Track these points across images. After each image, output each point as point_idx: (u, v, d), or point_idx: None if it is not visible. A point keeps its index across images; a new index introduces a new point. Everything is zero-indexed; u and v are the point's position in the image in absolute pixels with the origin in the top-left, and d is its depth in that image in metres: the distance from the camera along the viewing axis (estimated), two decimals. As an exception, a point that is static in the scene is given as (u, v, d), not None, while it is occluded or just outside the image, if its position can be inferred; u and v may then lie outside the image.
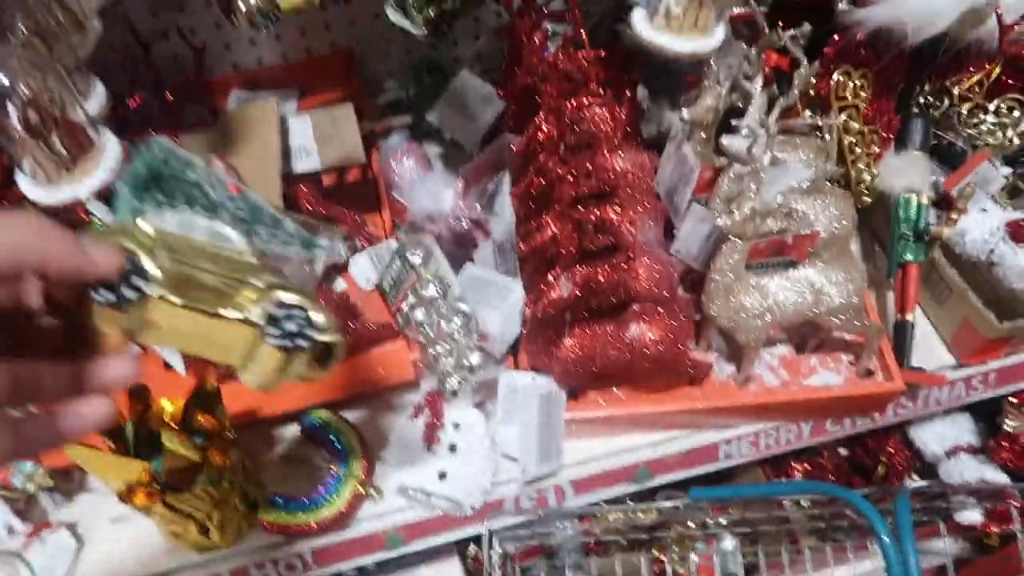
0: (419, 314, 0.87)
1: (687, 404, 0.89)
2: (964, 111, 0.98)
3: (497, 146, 0.96)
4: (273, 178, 0.85)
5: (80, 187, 0.67)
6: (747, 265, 0.83)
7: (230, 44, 1.09)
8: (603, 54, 0.81)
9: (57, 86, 0.67)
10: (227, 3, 0.81)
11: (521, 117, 0.92)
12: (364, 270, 0.94)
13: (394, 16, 0.82)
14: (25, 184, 0.68)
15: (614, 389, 0.91)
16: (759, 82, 0.80)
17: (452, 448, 0.88)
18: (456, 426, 0.89)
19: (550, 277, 0.79)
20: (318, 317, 0.50)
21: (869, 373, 0.92)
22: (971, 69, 0.97)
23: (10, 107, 0.66)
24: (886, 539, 0.79)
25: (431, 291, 0.86)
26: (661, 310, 0.82)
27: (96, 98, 0.74)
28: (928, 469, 1.21)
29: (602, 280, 0.77)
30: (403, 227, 0.94)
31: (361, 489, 0.82)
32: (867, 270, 1.01)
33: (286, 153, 0.89)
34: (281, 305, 0.49)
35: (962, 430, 1.16)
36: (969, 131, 0.98)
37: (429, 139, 1.11)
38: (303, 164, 0.91)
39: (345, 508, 0.81)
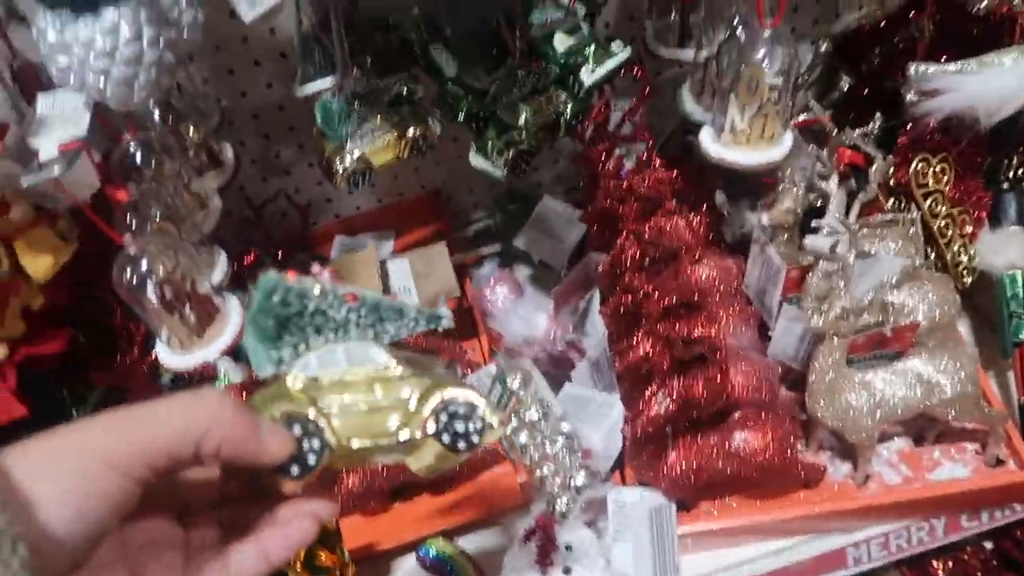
0: (523, 437, 0.89)
1: (805, 509, 0.86)
2: (1058, 179, 0.95)
3: (584, 265, 0.99)
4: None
5: (210, 351, 0.75)
6: (848, 361, 0.82)
7: (331, 197, 1.19)
8: (675, 172, 0.84)
9: (187, 263, 0.75)
10: (328, 167, 0.90)
11: (604, 236, 0.96)
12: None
13: (476, 161, 0.88)
14: (162, 352, 0.76)
15: (726, 498, 0.89)
16: (835, 181, 0.81)
17: (567, 571, 0.87)
18: (568, 547, 0.89)
19: (647, 394, 0.80)
20: (488, 413, 0.51)
21: (999, 462, 0.87)
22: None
23: (149, 287, 0.74)
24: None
25: (533, 414, 0.88)
26: (764, 415, 0.82)
27: (219, 266, 0.83)
28: (1089, 559, 1.10)
29: (698, 392, 0.78)
30: (500, 352, 0.97)
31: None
32: (980, 353, 0.97)
33: (387, 293, 0.96)
34: (447, 407, 0.50)
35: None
36: (1069, 199, 0.95)
37: (518, 262, 1.16)
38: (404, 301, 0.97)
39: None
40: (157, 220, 0.76)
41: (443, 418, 0.50)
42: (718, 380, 0.78)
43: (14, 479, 0.35)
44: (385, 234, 1.20)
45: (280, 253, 1.01)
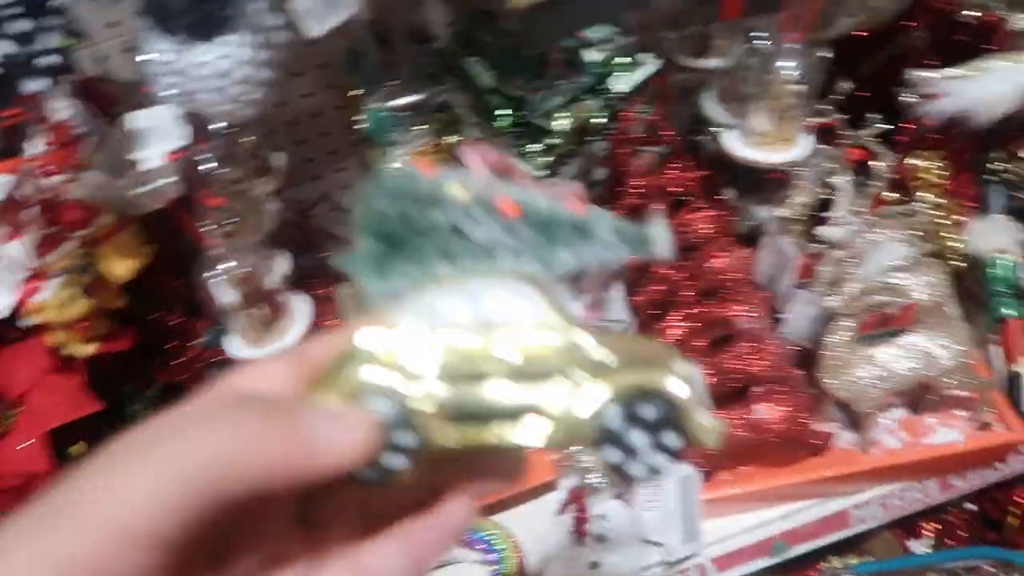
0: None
1: (814, 474, 0.95)
2: (1035, 172, 1.05)
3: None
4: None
5: (282, 344, 0.81)
6: (858, 339, 0.91)
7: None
8: (705, 175, 0.92)
9: (257, 262, 0.81)
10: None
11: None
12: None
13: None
14: (235, 346, 0.82)
15: (742, 468, 0.98)
16: (845, 176, 0.90)
17: (601, 538, 0.95)
18: (602, 517, 0.97)
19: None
20: (693, 416, 0.33)
21: (986, 426, 0.97)
22: (1032, 133, 1.04)
23: (226, 285, 0.80)
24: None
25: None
26: (781, 389, 0.90)
27: (280, 266, 0.88)
28: (1062, 514, 1.21)
29: (730, 368, 0.86)
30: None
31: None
32: (970, 330, 1.07)
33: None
34: (631, 405, 0.33)
35: (1087, 472, 1.17)
36: (1044, 190, 1.05)
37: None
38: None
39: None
40: (230, 223, 0.82)
41: (617, 420, 0.33)
42: (744, 357, 0.86)
43: None
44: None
45: (323, 254, 1.06)
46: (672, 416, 0.33)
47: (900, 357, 0.89)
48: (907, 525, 1.27)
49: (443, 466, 0.34)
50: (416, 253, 0.34)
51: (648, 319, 0.95)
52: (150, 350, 0.97)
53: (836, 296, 0.87)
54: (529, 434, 0.33)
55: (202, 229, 0.76)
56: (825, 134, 0.96)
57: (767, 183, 1.04)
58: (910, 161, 0.97)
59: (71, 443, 0.85)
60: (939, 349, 0.90)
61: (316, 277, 1.04)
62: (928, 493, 1.01)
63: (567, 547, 0.95)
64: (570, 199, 0.35)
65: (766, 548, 0.98)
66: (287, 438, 0.30)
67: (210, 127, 0.75)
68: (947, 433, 0.98)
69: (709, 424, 0.33)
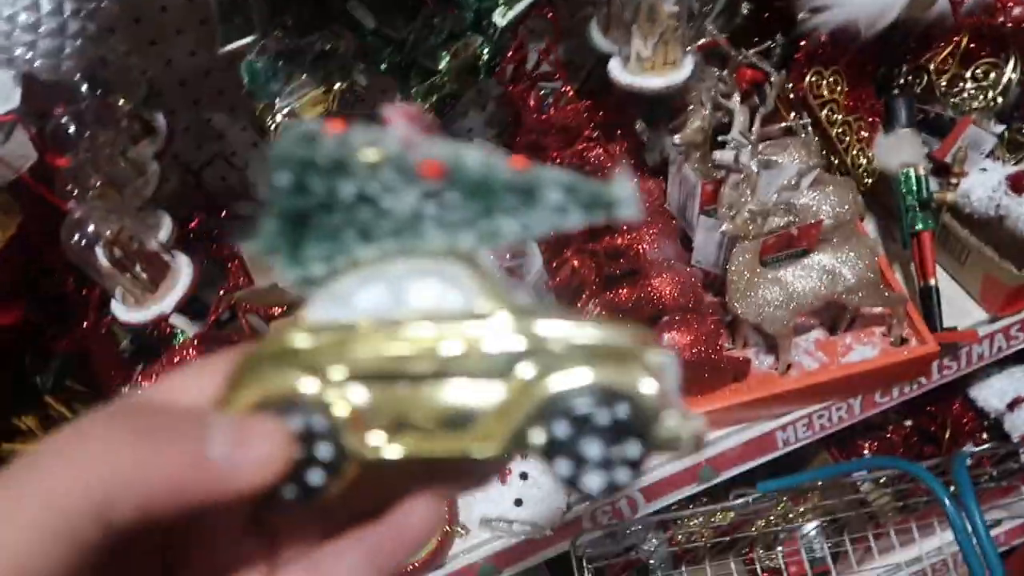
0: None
1: (734, 399, 0.94)
2: (944, 83, 1.04)
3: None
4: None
5: (165, 304, 0.79)
6: (762, 261, 0.89)
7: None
8: (591, 103, 0.90)
9: (132, 224, 0.79)
10: (260, 126, 0.94)
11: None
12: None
13: (402, 106, 0.93)
14: (118, 309, 0.80)
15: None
16: (736, 98, 0.88)
17: (523, 476, 0.95)
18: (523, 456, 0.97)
19: (578, 306, 0.87)
20: (665, 415, 0.28)
21: (903, 341, 0.96)
22: (941, 44, 1.02)
23: (98, 250, 0.78)
24: (948, 503, 0.82)
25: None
26: (689, 316, 0.89)
27: (165, 228, 0.86)
28: (996, 427, 1.22)
29: (625, 300, 0.84)
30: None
31: (448, 528, 0.89)
32: (885, 246, 1.06)
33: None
34: (573, 406, 0.28)
35: (1020, 382, 1.18)
36: (953, 100, 1.04)
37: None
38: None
39: (436, 548, 0.88)
40: (98, 186, 0.79)
41: (561, 426, 0.28)
42: (643, 287, 0.85)
43: None
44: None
45: (225, 212, 1.04)
46: (634, 420, 0.27)
47: (802, 277, 0.88)
48: (847, 446, 1.28)
49: (389, 475, 0.31)
50: (328, 232, 0.29)
51: (551, 254, 0.94)
52: (49, 321, 0.95)
53: (734, 219, 0.85)
54: (470, 444, 0.29)
55: (61, 193, 0.73)
56: (719, 57, 0.94)
57: (679, 114, 1.02)
58: (809, 79, 0.95)
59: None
60: (843, 267, 0.89)
61: (214, 239, 1.02)
62: (852, 410, 1.01)
63: (491, 486, 0.95)
64: (510, 155, 0.29)
65: (693, 475, 0.98)
66: (183, 459, 0.27)
67: (67, 91, 0.72)
68: (863, 351, 0.97)
69: (678, 426, 0.28)
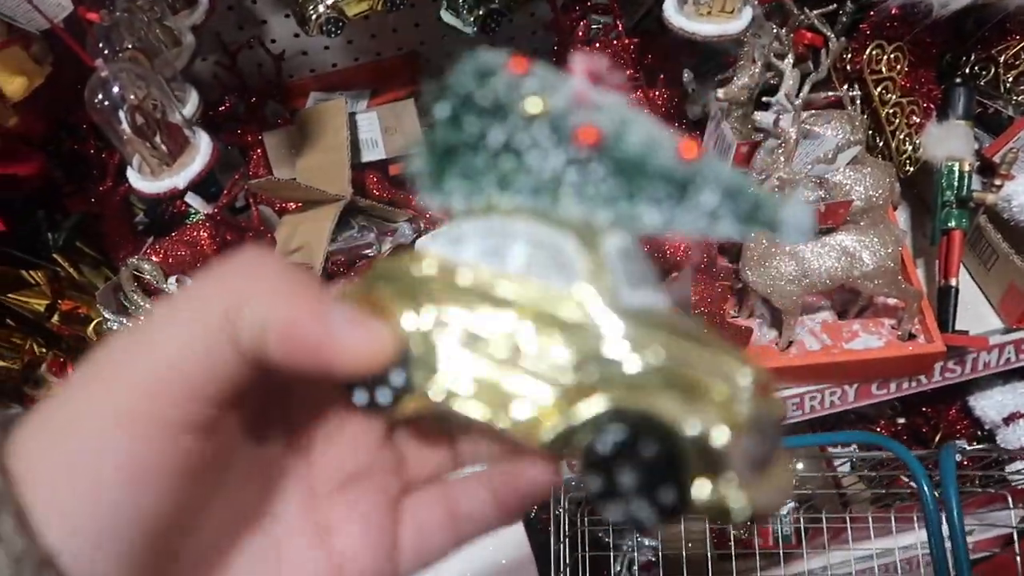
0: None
1: (729, 368, 0.94)
2: (1010, 78, 0.99)
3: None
4: (343, 168, 0.95)
5: (179, 178, 0.78)
6: (782, 233, 0.87)
7: (307, 50, 1.20)
8: (637, 41, 0.87)
9: (158, 94, 0.78)
10: (301, 15, 0.92)
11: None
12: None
13: (447, 17, 0.90)
14: (133, 178, 0.80)
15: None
16: (790, 60, 0.84)
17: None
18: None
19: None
20: (724, 478, 0.25)
21: (911, 336, 0.94)
22: (1016, 37, 0.98)
23: (120, 113, 0.77)
24: (925, 489, 0.81)
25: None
26: (697, 275, 0.88)
27: (191, 103, 0.85)
28: (989, 439, 1.21)
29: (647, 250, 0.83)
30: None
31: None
32: (915, 239, 1.03)
33: (355, 145, 0.99)
34: (626, 434, 0.26)
35: (1021, 397, 1.16)
36: (1017, 98, 0.99)
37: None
38: (370, 155, 1.01)
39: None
40: (129, 49, 0.79)
41: (607, 447, 0.26)
42: (659, 240, 0.84)
43: (25, 486, 0.25)
44: (360, 93, 1.22)
45: (254, 100, 1.03)
46: (677, 468, 0.25)
47: (820, 255, 0.86)
48: (824, 424, 1.27)
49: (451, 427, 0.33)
50: (470, 172, 0.29)
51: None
52: (66, 179, 0.96)
53: (760, 184, 0.83)
54: (519, 426, 0.28)
55: (91, 50, 0.72)
56: (780, 14, 0.90)
57: (724, 67, 0.99)
58: (869, 52, 0.91)
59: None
60: (864, 251, 0.87)
61: (240, 124, 1.01)
62: (846, 397, 1.00)
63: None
64: (684, 141, 0.27)
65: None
66: (310, 307, 0.28)
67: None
68: (868, 340, 0.95)
69: (730, 497, 0.24)
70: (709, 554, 1.09)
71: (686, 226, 0.26)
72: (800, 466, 1.22)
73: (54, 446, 0.26)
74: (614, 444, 0.26)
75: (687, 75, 1.04)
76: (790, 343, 0.95)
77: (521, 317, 0.28)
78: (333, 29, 0.92)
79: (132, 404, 0.26)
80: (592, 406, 0.27)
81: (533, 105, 0.27)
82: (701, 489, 0.25)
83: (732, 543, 1.12)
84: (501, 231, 0.29)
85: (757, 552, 1.11)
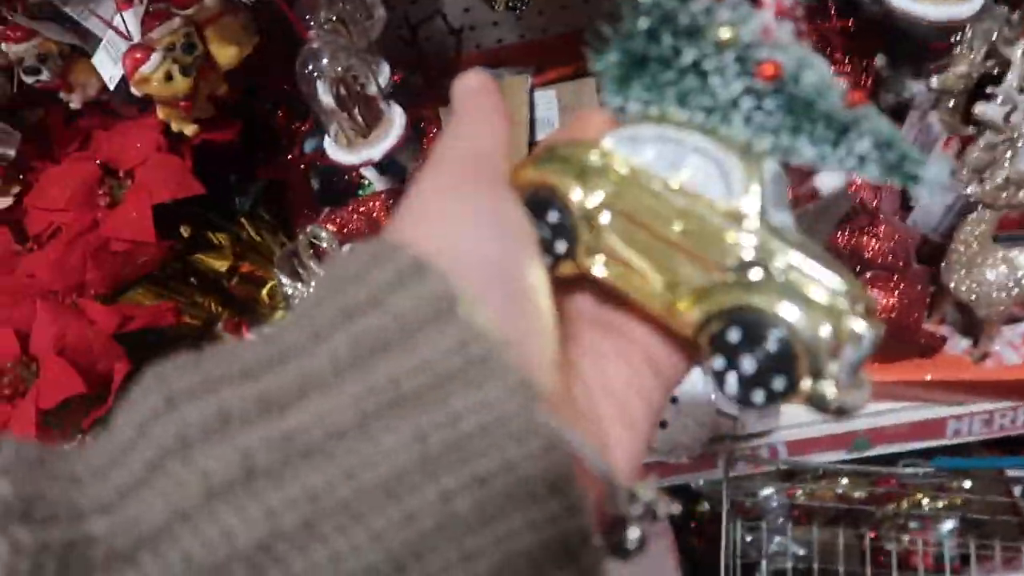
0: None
1: (916, 375, 0.88)
2: None
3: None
4: (522, 146, 0.94)
5: (375, 151, 0.80)
6: (995, 237, 0.81)
7: (475, 26, 1.20)
8: (847, 24, 0.81)
9: (359, 65, 0.79)
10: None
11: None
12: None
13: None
14: (331, 148, 0.82)
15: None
16: (1020, 47, 0.77)
17: (673, 400, 0.93)
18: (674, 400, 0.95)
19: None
20: (825, 374, 0.29)
21: None
22: None
23: (319, 84, 0.79)
24: None
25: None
26: (896, 277, 0.83)
27: (383, 74, 0.86)
28: None
29: (839, 246, 0.79)
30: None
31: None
32: None
33: (532, 124, 0.98)
34: (747, 325, 0.30)
35: None
36: None
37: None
38: (545, 134, 1.00)
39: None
40: (332, 21, 0.80)
41: (736, 332, 0.30)
42: (860, 235, 0.79)
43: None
44: (525, 70, 1.21)
45: (432, 74, 1.03)
46: (791, 364, 0.29)
47: (1039, 264, 0.79)
48: (1006, 445, 1.19)
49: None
50: (656, 83, 0.33)
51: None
52: (254, 146, 0.99)
53: (982, 183, 0.77)
54: (669, 304, 0.31)
55: (305, 22, 0.74)
56: (1009, -3, 0.82)
57: (927, 54, 0.92)
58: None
59: (173, 221, 0.90)
60: (1090, 262, 0.79)
61: (416, 98, 1.02)
62: (1041, 419, 0.92)
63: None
64: (851, 88, 0.30)
65: (847, 441, 0.94)
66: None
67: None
68: (1078, 357, 0.88)
69: (828, 393, 0.29)
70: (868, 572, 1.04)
71: (835, 165, 0.30)
72: (967, 484, 1.15)
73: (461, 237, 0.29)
74: (742, 335, 0.30)
75: (881, 60, 0.97)
76: (985, 354, 0.88)
77: (683, 215, 0.31)
78: (520, 4, 0.91)
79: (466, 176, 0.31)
80: (730, 299, 0.30)
81: (725, 33, 0.30)
82: (806, 383, 0.29)
83: (893, 559, 1.06)
84: (676, 139, 0.32)
85: (921, 570, 1.05)
